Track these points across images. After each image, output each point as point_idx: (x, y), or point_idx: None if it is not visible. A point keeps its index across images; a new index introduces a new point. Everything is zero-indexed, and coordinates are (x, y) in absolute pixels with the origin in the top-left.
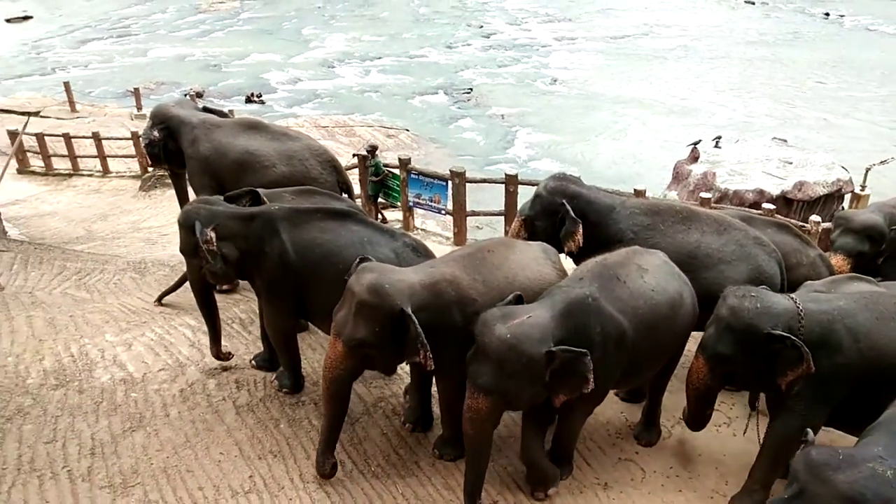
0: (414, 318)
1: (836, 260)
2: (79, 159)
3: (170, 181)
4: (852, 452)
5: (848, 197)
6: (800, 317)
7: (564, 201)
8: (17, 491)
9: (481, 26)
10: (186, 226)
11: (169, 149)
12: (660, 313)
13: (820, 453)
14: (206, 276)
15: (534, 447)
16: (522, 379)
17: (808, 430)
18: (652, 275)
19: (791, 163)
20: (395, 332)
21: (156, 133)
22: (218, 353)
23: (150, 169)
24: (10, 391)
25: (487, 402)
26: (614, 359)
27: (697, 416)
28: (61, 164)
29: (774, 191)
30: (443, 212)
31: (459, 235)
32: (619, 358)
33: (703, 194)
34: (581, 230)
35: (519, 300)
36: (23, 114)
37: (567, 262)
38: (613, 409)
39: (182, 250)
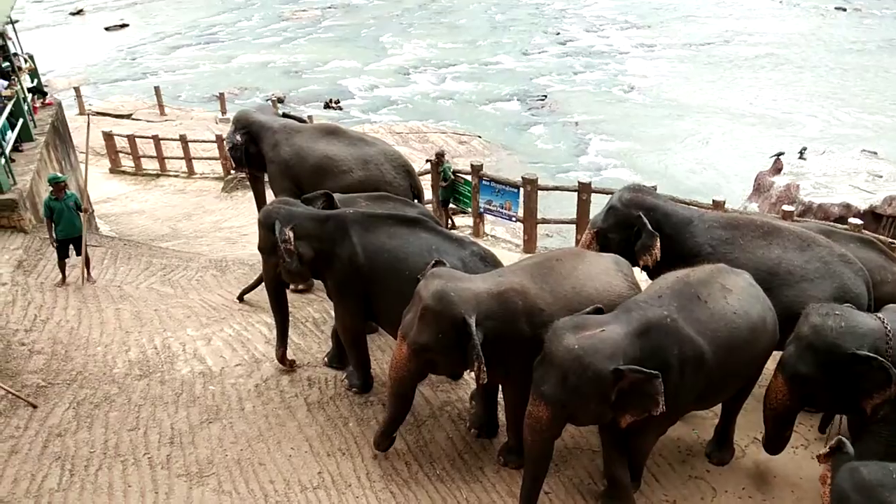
0: (474, 328)
1: None
2: (166, 160)
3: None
4: None
5: None
6: (888, 337)
7: (641, 213)
8: (104, 474)
9: (558, 33)
10: (266, 225)
11: (250, 152)
12: (740, 338)
13: (871, 472)
14: (281, 275)
15: (617, 462)
16: (586, 394)
17: (843, 439)
18: (736, 296)
19: (881, 176)
20: (458, 340)
21: (238, 137)
22: (283, 356)
23: (232, 171)
24: (98, 379)
25: (548, 412)
26: (690, 382)
27: (775, 438)
28: (150, 165)
29: (862, 205)
30: (513, 219)
31: (529, 243)
32: (695, 381)
33: (786, 207)
34: (658, 244)
35: (598, 312)
36: (116, 116)
37: (640, 275)
38: (684, 426)
39: (260, 248)
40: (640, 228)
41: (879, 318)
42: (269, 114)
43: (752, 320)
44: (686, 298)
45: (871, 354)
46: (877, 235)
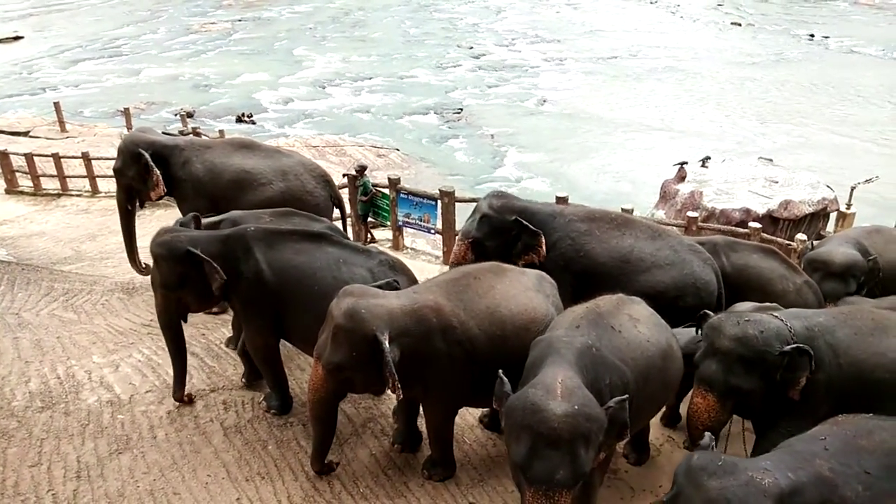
0: (386, 344)
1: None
2: (68, 179)
3: (157, 201)
4: (735, 461)
5: (833, 215)
6: (791, 333)
7: (516, 217)
8: None
9: (471, 47)
10: (175, 256)
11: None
12: (654, 365)
13: (700, 458)
14: (179, 310)
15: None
16: (597, 448)
17: (709, 434)
18: (644, 325)
19: (777, 182)
20: (372, 357)
21: None
22: (181, 396)
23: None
24: None
25: (565, 496)
26: None
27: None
28: (50, 185)
29: (760, 210)
30: (432, 231)
31: (449, 254)
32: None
33: (690, 213)
34: (543, 241)
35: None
36: (12, 133)
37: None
38: None
39: (163, 284)
40: (518, 231)
41: (777, 316)
42: (158, 134)
43: (663, 347)
44: (602, 329)
45: (799, 345)
46: (774, 237)
